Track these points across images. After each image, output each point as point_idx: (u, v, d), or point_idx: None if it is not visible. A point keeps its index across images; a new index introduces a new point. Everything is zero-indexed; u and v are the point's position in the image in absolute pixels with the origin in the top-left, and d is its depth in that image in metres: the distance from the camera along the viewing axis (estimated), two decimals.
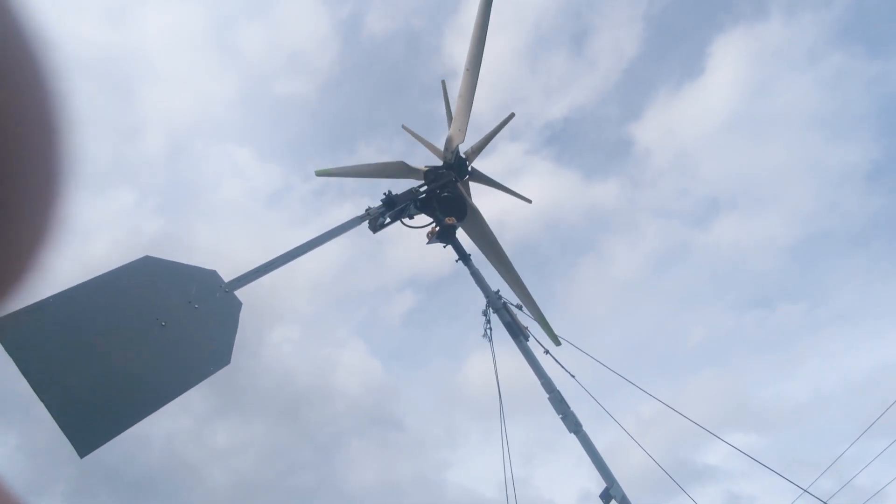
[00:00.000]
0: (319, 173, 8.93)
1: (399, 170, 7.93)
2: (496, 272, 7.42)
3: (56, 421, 3.61)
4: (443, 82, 9.28)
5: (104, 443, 3.77)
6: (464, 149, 7.86)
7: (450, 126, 8.13)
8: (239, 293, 4.96)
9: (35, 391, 3.62)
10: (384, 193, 6.56)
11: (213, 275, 4.85)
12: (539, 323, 7.01)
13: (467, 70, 7.37)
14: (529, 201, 8.02)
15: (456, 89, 8.08)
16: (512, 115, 7.94)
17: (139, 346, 4.17)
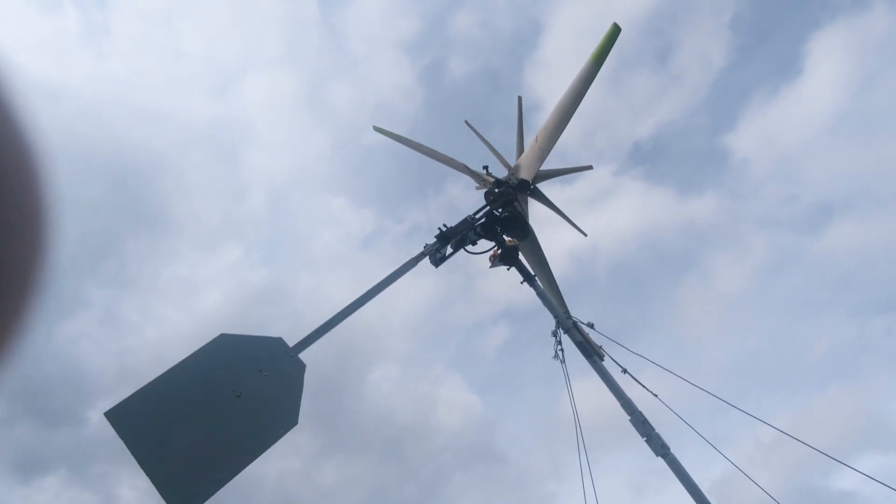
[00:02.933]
0: (377, 129, 9.33)
1: (457, 167, 7.98)
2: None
3: (159, 492, 4.38)
4: (519, 98, 8.92)
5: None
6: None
7: (518, 144, 7.98)
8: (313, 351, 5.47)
9: (142, 468, 4.43)
10: (438, 229, 6.70)
11: (279, 342, 5.41)
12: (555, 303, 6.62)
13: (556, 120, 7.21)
14: (585, 234, 7.62)
15: (538, 119, 7.93)
16: (590, 167, 7.77)
17: (220, 418, 4.85)
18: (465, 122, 8.58)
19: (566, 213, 7.73)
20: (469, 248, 7.08)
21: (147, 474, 4.43)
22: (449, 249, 6.92)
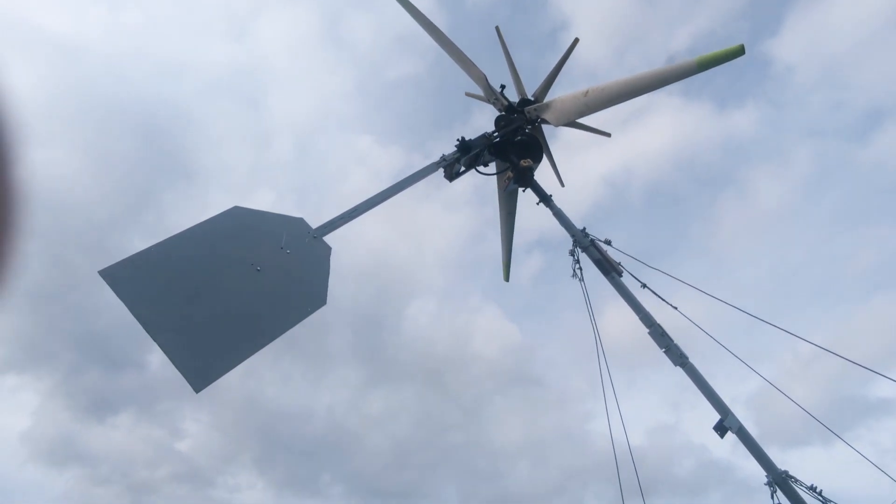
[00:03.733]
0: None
1: (472, 73, 7.53)
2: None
3: (171, 360, 3.70)
4: (497, 28, 8.53)
5: (217, 378, 3.83)
6: (531, 92, 7.55)
7: (512, 74, 7.81)
8: (331, 241, 4.94)
9: (148, 332, 3.72)
10: (457, 140, 6.39)
11: (300, 222, 4.85)
12: (712, 63, 6.00)
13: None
14: (608, 135, 7.57)
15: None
16: (576, 41, 7.49)
17: (238, 289, 4.23)
18: (496, 28, 7.75)
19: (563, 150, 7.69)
20: (481, 168, 6.85)
21: (160, 346, 3.73)
22: (462, 167, 6.64)
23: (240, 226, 4.54)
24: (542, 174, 7.39)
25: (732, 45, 5.45)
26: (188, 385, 3.68)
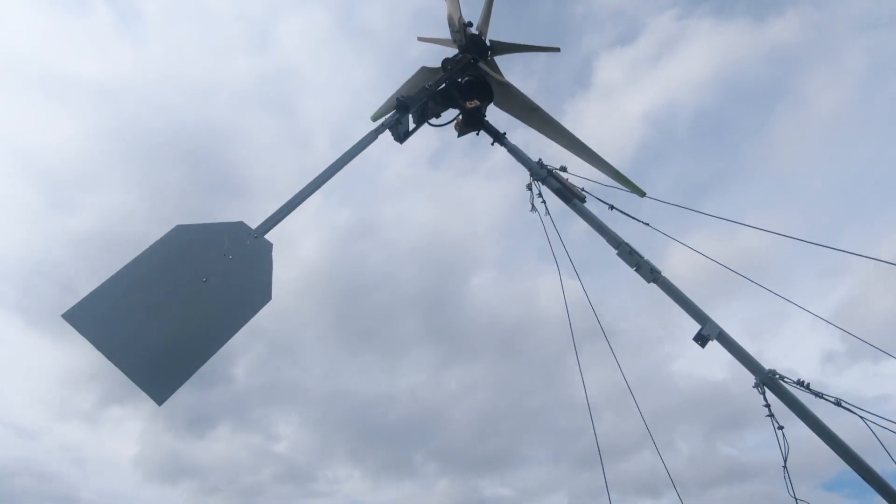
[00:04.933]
0: None
1: (425, 76, 7.44)
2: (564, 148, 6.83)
3: (133, 381, 4.15)
4: None
5: (176, 389, 4.27)
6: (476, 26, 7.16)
7: (484, 13, 7.39)
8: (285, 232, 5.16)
9: (110, 360, 4.17)
10: (397, 99, 6.27)
11: (240, 226, 5.09)
12: (616, 179, 6.37)
13: None
14: (557, 50, 7.06)
15: None
16: (557, 49, 7.11)
17: (189, 303, 4.58)
18: (418, 38, 8.02)
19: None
20: (433, 121, 6.70)
21: (121, 369, 4.19)
22: (412, 124, 6.52)
23: (183, 242, 4.84)
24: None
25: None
26: (152, 399, 4.14)
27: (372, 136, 5.91)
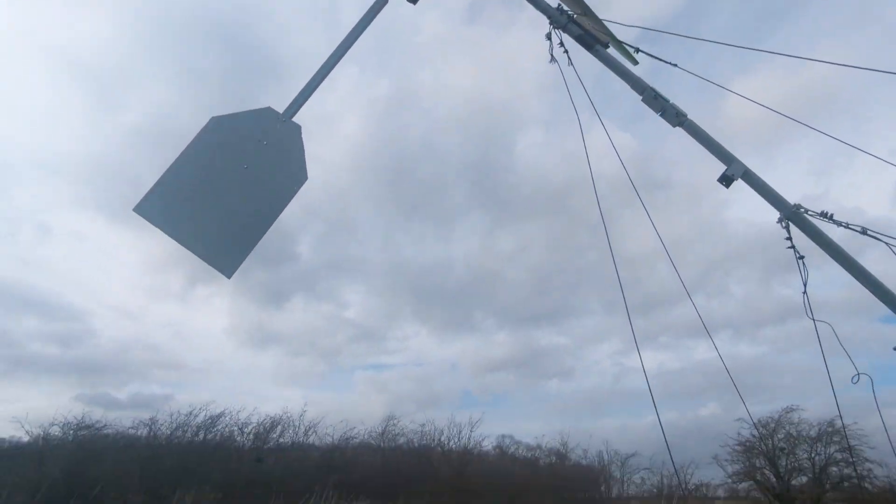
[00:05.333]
0: None
1: None
2: None
3: (203, 260, 4.84)
4: None
5: (240, 263, 4.95)
6: None
7: None
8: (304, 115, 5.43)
9: (184, 246, 4.85)
10: None
11: (268, 111, 5.38)
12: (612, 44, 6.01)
13: None
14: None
15: None
16: None
17: (236, 188, 5.09)
18: None
19: None
20: None
21: (192, 251, 4.88)
22: None
23: (221, 133, 5.23)
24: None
25: None
26: (222, 275, 4.85)
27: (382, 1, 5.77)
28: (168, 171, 5.07)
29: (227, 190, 5.07)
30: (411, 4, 6.33)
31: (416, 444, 36.82)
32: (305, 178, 5.26)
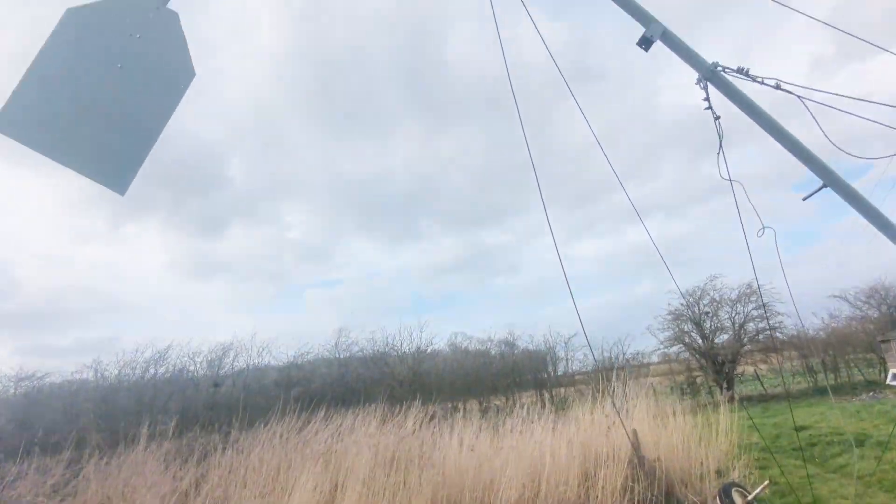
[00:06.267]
0: None
1: None
2: None
3: (88, 177, 4.30)
4: None
5: (133, 177, 4.44)
6: None
7: None
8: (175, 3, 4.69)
9: (57, 160, 4.27)
10: None
11: None
12: None
13: None
14: None
15: None
16: None
17: (113, 91, 4.45)
18: None
19: None
20: None
21: (72, 168, 4.30)
22: None
23: (82, 28, 4.46)
24: None
25: None
26: (113, 190, 4.33)
27: None
28: (24, 77, 4.33)
29: (102, 94, 4.41)
30: None
31: (371, 351, 38.00)
32: (193, 73, 4.65)
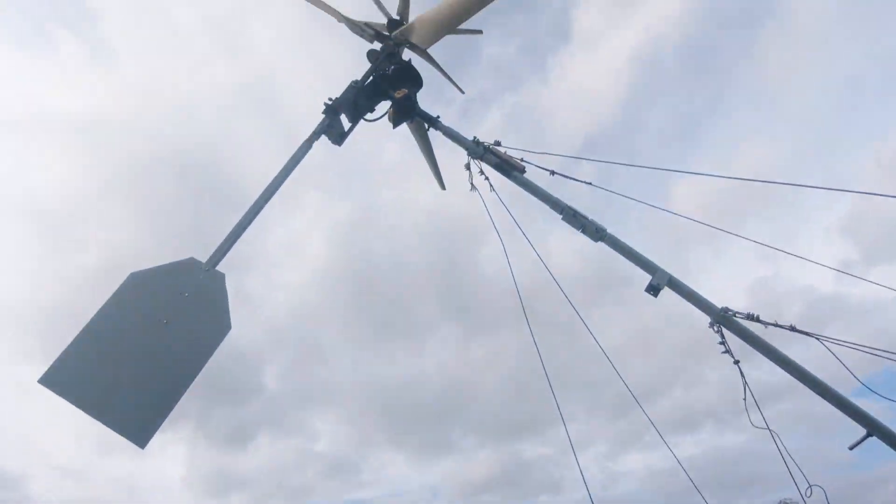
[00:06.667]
0: None
1: (331, 12, 7.24)
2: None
3: (114, 430, 4.40)
4: None
5: (155, 431, 4.52)
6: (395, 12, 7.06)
7: None
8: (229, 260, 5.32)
9: (91, 416, 4.43)
10: (324, 103, 6.26)
11: (191, 262, 5.23)
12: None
13: None
14: (480, 32, 7.10)
15: None
16: (479, 32, 7.27)
17: (154, 347, 4.78)
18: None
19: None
20: (368, 116, 6.70)
21: (101, 421, 4.44)
22: (346, 123, 6.53)
23: (140, 288, 5.02)
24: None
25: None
26: (134, 444, 4.39)
27: (306, 147, 5.95)
28: (78, 336, 4.73)
29: (143, 350, 4.75)
30: (337, 146, 6.60)
31: None
32: (229, 327, 5.02)
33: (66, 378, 4.55)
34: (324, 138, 6.33)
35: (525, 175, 5.79)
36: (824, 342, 4.73)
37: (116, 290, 4.97)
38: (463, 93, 7.30)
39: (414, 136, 7.46)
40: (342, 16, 6.90)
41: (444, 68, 7.19)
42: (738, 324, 4.80)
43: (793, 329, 4.75)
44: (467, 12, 6.21)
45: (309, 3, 6.95)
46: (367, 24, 6.97)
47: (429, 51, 7.00)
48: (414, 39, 6.64)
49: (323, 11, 7.09)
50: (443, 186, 7.68)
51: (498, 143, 5.86)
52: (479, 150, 5.91)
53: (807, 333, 4.77)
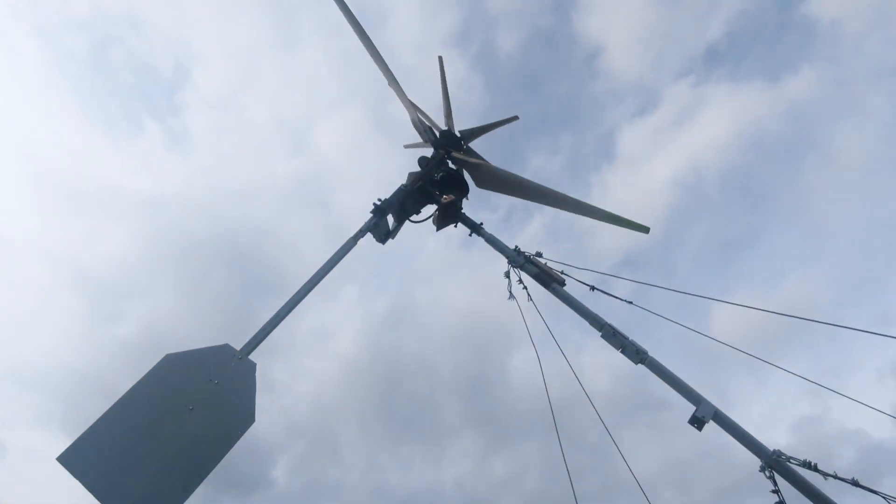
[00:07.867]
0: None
1: (405, 103, 7.55)
2: (549, 209, 7.03)
3: None
4: (440, 58, 8.59)
5: None
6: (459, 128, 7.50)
7: (445, 105, 7.76)
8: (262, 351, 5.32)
9: (102, 502, 4.28)
10: (374, 203, 6.52)
11: (225, 348, 5.27)
12: (614, 223, 6.54)
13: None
14: (516, 118, 7.29)
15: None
16: (516, 118, 7.52)
17: (176, 434, 4.70)
18: (439, 57, 7.64)
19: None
20: (414, 217, 6.91)
21: None
22: (392, 222, 6.74)
23: (172, 371, 5.04)
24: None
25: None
26: None
27: (351, 243, 6.12)
28: (103, 416, 4.71)
29: (165, 437, 4.66)
30: (381, 244, 6.78)
31: None
32: (252, 420, 4.92)
33: (85, 459, 4.47)
34: (368, 236, 6.55)
35: (564, 288, 5.74)
36: (892, 502, 4.26)
37: (150, 371, 4.99)
38: (517, 118, 7.43)
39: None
40: (415, 109, 7.36)
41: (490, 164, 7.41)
42: (792, 470, 4.40)
43: (855, 484, 4.31)
44: (522, 193, 6.75)
45: (374, 109, 7.54)
46: (430, 127, 7.39)
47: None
48: (472, 174, 7.06)
49: (395, 109, 7.63)
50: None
51: (539, 255, 5.89)
52: (520, 260, 5.95)
53: (873, 491, 4.32)
